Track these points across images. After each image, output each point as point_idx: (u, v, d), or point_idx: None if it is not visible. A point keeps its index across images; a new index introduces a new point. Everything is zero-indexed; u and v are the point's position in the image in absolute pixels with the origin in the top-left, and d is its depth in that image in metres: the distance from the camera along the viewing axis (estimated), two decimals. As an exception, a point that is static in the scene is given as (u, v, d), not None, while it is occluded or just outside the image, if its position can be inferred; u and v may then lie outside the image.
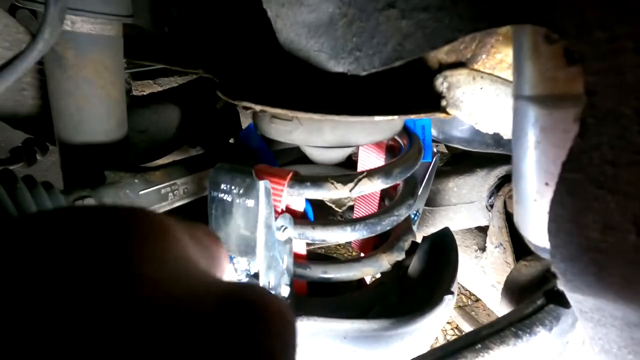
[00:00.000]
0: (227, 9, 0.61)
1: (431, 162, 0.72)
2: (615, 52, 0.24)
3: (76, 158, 0.62)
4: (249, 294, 0.14)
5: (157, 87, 1.08)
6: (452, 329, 1.49)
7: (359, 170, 0.67)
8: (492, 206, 0.90)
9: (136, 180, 0.58)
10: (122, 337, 0.10)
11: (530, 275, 0.58)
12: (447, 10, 0.29)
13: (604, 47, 0.25)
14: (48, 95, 0.61)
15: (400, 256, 0.57)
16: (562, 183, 0.29)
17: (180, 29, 0.70)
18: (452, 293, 0.55)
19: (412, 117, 0.44)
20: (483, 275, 0.93)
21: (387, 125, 0.50)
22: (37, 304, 0.10)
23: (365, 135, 0.49)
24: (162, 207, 0.62)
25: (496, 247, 0.87)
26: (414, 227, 0.75)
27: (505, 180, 0.89)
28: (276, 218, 0.46)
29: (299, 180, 0.47)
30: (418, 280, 0.61)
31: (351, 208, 0.78)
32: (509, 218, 0.85)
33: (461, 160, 0.97)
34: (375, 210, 0.68)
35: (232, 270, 0.48)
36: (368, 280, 0.68)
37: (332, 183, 0.46)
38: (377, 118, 0.42)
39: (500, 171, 0.90)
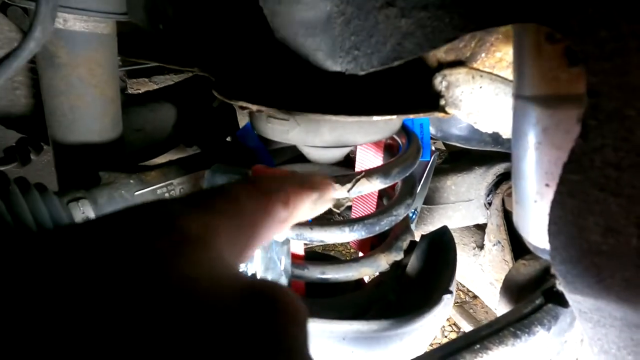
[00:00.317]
0: (223, 6, 0.60)
1: (429, 161, 0.72)
2: (620, 52, 0.24)
3: (70, 158, 0.61)
4: (265, 288, 0.15)
5: (152, 85, 1.07)
6: (449, 325, 1.49)
7: (356, 169, 0.67)
8: (490, 204, 0.90)
9: (131, 181, 0.57)
10: (153, 319, 0.12)
11: (528, 275, 0.58)
12: (447, 8, 0.29)
13: (608, 46, 0.24)
14: (41, 94, 0.60)
15: (399, 256, 0.56)
16: (563, 185, 0.29)
17: (175, 27, 0.69)
18: (450, 292, 0.55)
19: (411, 116, 0.44)
20: (481, 273, 0.93)
21: (386, 124, 0.49)
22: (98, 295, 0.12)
23: (364, 135, 0.49)
24: (158, 208, 0.61)
25: (494, 245, 0.87)
26: (412, 226, 0.75)
27: (504, 178, 0.88)
28: (274, 219, 0.45)
29: (296, 181, 0.46)
30: (416, 279, 0.61)
31: (350, 207, 0.77)
32: (507, 216, 0.85)
33: (459, 158, 0.97)
34: (374, 210, 0.68)
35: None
36: (366, 278, 0.68)
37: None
38: (376, 118, 0.41)
39: (498, 169, 0.89)
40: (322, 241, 0.50)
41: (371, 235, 0.52)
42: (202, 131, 0.89)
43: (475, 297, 1.43)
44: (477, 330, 0.47)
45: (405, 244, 0.58)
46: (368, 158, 0.65)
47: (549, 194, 0.32)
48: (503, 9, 0.27)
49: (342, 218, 0.85)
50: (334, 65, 0.39)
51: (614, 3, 0.23)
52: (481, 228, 0.95)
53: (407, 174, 0.53)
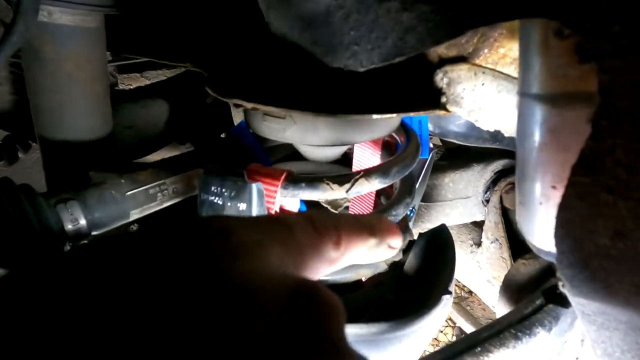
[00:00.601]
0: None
1: (428, 158, 0.71)
2: (634, 49, 0.23)
3: (58, 157, 0.59)
4: (307, 285, 0.17)
5: (144, 80, 1.04)
6: (446, 320, 1.50)
7: (354, 167, 0.66)
8: (488, 201, 0.89)
9: (122, 181, 0.55)
10: (208, 309, 0.14)
11: (528, 274, 0.57)
12: (451, 2, 0.27)
13: (622, 42, 0.23)
14: (26, 90, 0.58)
15: (398, 256, 0.55)
16: (571, 187, 0.28)
17: (166, 20, 0.67)
18: (450, 293, 0.54)
19: (412, 114, 0.42)
20: (478, 270, 0.93)
21: (385, 122, 0.48)
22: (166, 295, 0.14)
23: (362, 133, 0.47)
24: (150, 208, 0.59)
25: (492, 242, 0.87)
26: (410, 224, 0.74)
27: (502, 175, 0.88)
28: (270, 220, 0.44)
29: (293, 181, 0.45)
30: (414, 278, 0.60)
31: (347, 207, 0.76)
32: (505, 213, 0.85)
33: (457, 155, 0.96)
34: (371, 209, 0.67)
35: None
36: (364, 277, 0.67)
37: (328, 184, 0.44)
38: (375, 116, 0.40)
39: (496, 166, 0.89)
40: (319, 242, 0.49)
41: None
42: (196, 128, 0.87)
43: (470, 292, 1.43)
44: (478, 332, 0.46)
45: (404, 244, 0.57)
46: (366, 156, 0.64)
47: (556, 196, 0.31)
48: (511, 3, 0.25)
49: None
50: (333, 62, 0.38)
51: (629, -3, 0.22)
52: (479, 225, 0.95)
53: (407, 173, 0.52)
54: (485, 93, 0.42)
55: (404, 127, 0.58)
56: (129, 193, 0.56)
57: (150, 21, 0.68)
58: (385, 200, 0.68)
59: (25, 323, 0.12)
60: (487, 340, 0.44)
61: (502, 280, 0.64)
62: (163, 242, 0.16)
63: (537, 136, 0.32)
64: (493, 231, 0.86)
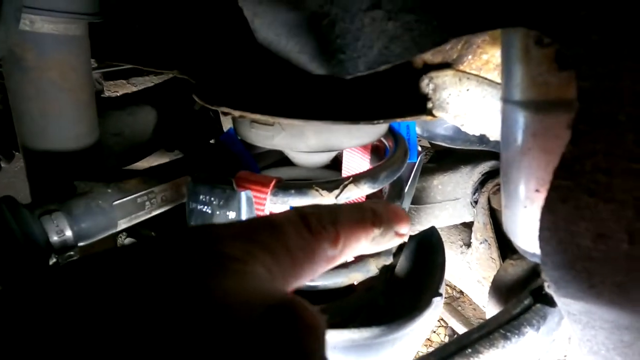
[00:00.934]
0: (202, 5, 0.58)
1: (416, 162, 0.71)
2: (612, 57, 0.23)
3: (43, 167, 0.58)
4: (287, 301, 0.16)
5: (131, 87, 1.03)
6: (438, 320, 1.51)
7: (343, 172, 0.66)
8: (476, 202, 0.90)
9: (109, 190, 0.55)
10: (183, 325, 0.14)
11: (516, 275, 0.58)
12: (435, 11, 0.28)
13: (599, 50, 0.24)
14: (9, 100, 0.57)
15: (388, 260, 0.56)
16: (553, 190, 0.28)
17: (152, 27, 0.66)
18: (440, 295, 0.55)
19: (398, 120, 0.43)
20: (469, 270, 0.94)
21: (373, 128, 0.48)
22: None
23: (350, 139, 0.48)
24: (138, 217, 0.59)
25: (481, 243, 0.88)
26: (401, 227, 0.74)
27: (489, 177, 0.89)
28: (260, 227, 0.44)
29: (282, 188, 0.45)
30: (405, 281, 0.61)
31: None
32: (493, 214, 0.86)
33: (445, 157, 0.97)
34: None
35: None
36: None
37: (317, 190, 0.44)
38: (363, 124, 0.40)
39: (484, 167, 0.90)
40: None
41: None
42: (184, 135, 0.86)
43: (461, 292, 1.45)
44: (469, 333, 0.46)
45: (394, 248, 0.57)
46: (355, 161, 0.65)
47: (539, 200, 0.32)
48: (492, 13, 0.26)
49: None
50: (319, 69, 0.38)
51: (606, 6, 0.23)
52: (468, 226, 0.96)
53: (395, 178, 0.52)
54: (470, 98, 0.42)
55: (392, 132, 0.59)
56: (116, 202, 0.55)
57: (135, 28, 0.68)
58: (375, 204, 0.69)
59: (17, 341, 0.13)
60: (477, 342, 0.45)
61: (492, 280, 0.65)
62: (144, 261, 0.16)
63: (520, 141, 0.32)
64: (482, 232, 0.87)
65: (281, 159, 0.71)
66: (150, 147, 0.86)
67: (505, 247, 0.82)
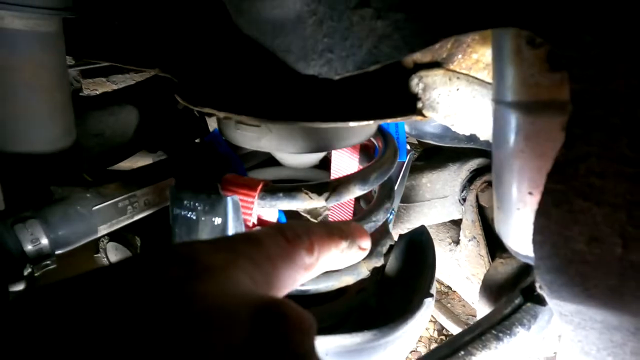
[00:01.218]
0: (185, 0, 0.56)
1: (405, 161, 0.71)
2: (604, 58, 0.23)
3: (16, 172, 0.55)
4: (272, 303, 0.17)
5: (111, 85, 1.00)
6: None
7: (332, 173, 0.65)
8: (464, 200, 0.90)
9: (88, 195, 0.52)
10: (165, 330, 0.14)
11: (506, 273, 0.58)
12: (425, 10, 0.27)
13: (593, 52, 0.23)
14: (-23, 100, 0.53)
15: (379, 262, 0.55)
16: (547, 194, 0.28)
17: (132, 23, 0.64)
18: (431, 296, 0.55)
19: (389, 121, 0.42)
20: (458, 267, 0.94)
21: (362, 128, 0.47)
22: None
23: (340, 140, 0.46)
24: (120, 222, 0.56)
25: (470, 240, 0.88)
26: (390, 226, 0.74)
27: (477, 174, 0.89)
28: (247, 233, 0.42)
29: (270, 191, 0.43)
30: (396, 281, 0.60)
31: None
32: (481, 211, 0.86)
33: (433, 155, 0.97)
34: (351, 214, 0.66)
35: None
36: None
37: (307, 193, 0.43)
38: (352, 124, 0.39)
39: (472, 165, 0.90)
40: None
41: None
42: (168, 135, 0.84)
43: (449, 287, 1.46)
44: (460, 335, 0.46)
45: (384, 249, 0.57)
46: (344, 160, 0.63)
47: (532, 202, 0.32)
48: (484, 13, 0.25)
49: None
50: (307, 69, 0.37)
51: (599, 8, 0.22)
52: (457, 223, 0.96)
53: (386, 178, 0.52)
54: (460, 98, 0.42)
55: (381, 131, 0.58)
56: (96, 207, 0.53)
57: (114, 24, 0.65)
58: (365, 204, 0.68)
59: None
60: (469, 344, 0.44)
61: (480, 276, 0.65)
62: (126, 277, 0.17)
63: (512, 143, 0.32)
64: (470, 229, 0.88)
65: (268, 159, 0.70)
66: (132, 148, 0.83)
67: (494, 244, 0.82)
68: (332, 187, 0.43)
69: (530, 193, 0.32)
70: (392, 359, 0.52)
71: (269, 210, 0.46)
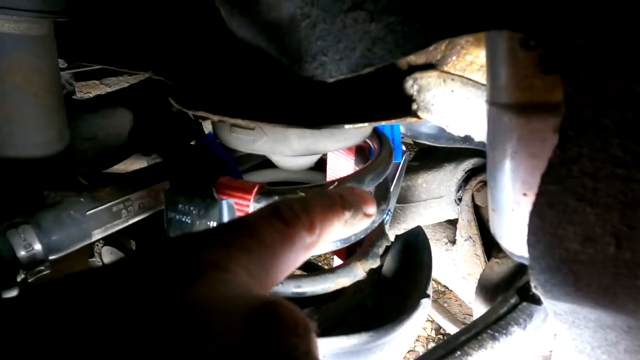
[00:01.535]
0: (178, 3, 0.55)
1: (401, 162, 0.71)
2: (596, 61, 0.23)
3: (8, 177, 0.54)
4: (268, 303, 0.16)
5: (104, 87, 0.99)
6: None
7: (328, 174, 0.65)
8: (460, 200, 0.91)
9: (82, 199, 0.52)
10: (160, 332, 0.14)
11: (502, 273, 0.59)
12: (419, 13, 0.27)
13: (584, 55, 0.23)
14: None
15: (375, 263, 0.55)
16: (541, 195, 0.28)
17: (125, 26, 0.63)
18: (428, 296, 0.55)
19: (383, 123, 0.42)
20: (454, 267, 0.95)
21: (357, 131, 0.47)
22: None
23: (335, 142, 0.46)
24: (115, 226, 0.56)
25: (466, 240, 0.89)
26: (386, 226, 0.74)
27: (472, 174, 0.90)
28: (243, 236, 0.42)
29: (265, 194, 0.43)
30: (392, 282, 0.60)
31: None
32: (477, 211, 0.87)
33: (429, 155, 0.97)
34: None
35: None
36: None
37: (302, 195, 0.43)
38: (347, 126, 0.39)
39: (467, 165, 0.91)
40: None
41: (347, 245, 0.51)
42: (162, 138, 0.83)
43: (445, 287, 1.46)
44: (457, 335, 0.46)
45: (380, 250, 0.57)
46: (339, 162, 0.63)
47: (527, 203, 0.32)
48: (477, 15, 0.25)
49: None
50: (300, 72, 0.36)
51: (591, 11, 0.22)
52: (453, 223, 0.96)
53: (381, 180, 0.52)
54: (455, 99, 0.42)
55: (376, 133, 0.58)
56: (89, 212, 0.52)
57: (106, 27, 0.64)
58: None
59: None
60: (466, 344, 0.45)
61: (476, 276, 0.65)
62: (119, 281, 0.16)
63: (507, 145, 0.32)
64: (466, 229, 0.88)
65: (264, 161, 0.69)
66: (126, 151, 0.83)
67: (490, 244, 0.83)
68: (327, 189, 0.43)
69: (524, 194, 0.32)
70: (390, 359, 0.52)
71: (265, 213, 0.46)
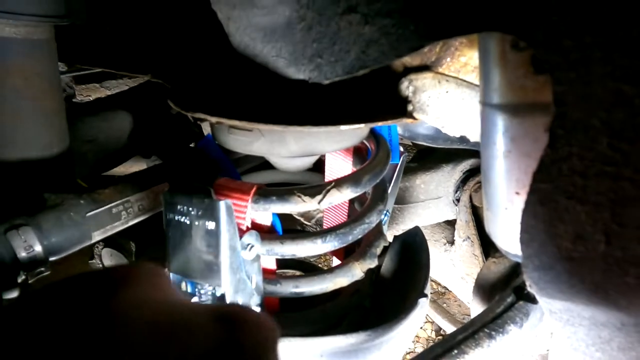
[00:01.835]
0: (176, 6, 0.56)
1: (398, 163, 0.72)
2: (584, 62, 0.24)
3: (9, 179, 0.54)
4: (237, 312, 0.17)
5: (104, 90, 1.00)
6: (425, 316, 1.52)
7: (326, 175, 0.65)
8: (458, 200, 0.91)
9: (82, 201, 0.52)
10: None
11: (499, 272, 0.59)
12: (412, 16, 0.27)
13: (573, 56, 0.24)
14: (-31, 108, 0.53)
15: (373, 263, 0.56)
16: (533, 193, 0.29)
17: (124, 29, 0.64)
18: (426, 296, 0.55)
19: (379, 124, 0.42)
20: (452, 267, 0.95)
21: (354, 132, 0.48)
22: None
23: (332, 143, 0.47)
24: (114, 228, 0.56)
25: (464, 240, 0.89)
26: (385, 227, 0.74)
27: (470, 175, 0.90)
28: (241, 236, 0.43)
29: (263, 195, 0.44)
30: (391, 282, 0.61)
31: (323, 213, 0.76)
32: (475, 211, 0.87)
33: (427, 156, 0.98)
34: (345, 217, 0.67)
35: (195, 297, 0.45)
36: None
37: (300, 196, 0.43)
38: (343, 127, 0.40)
39: (465, 165, 0.91)
40: (294, 255, 0.48)
41: (344, 245, 0.51)
42: (161, 140, 0.84)
43: (445, 288, 1.46)
44: (454, 334, 0.47)
45: (378, 251, 0.57)
46: (337, 163, 0.64)
47: (520, 202, 0.32)
48: (468, 18, 0.26)
49: (315, 228, 0.84)
50: (297, 73, 0.37)
51: (577, 13, 0.23)
52: (451, 224, 0.97)
53: (378, 180, 0.52)
54: (450, 100, 0.42)
55: (373, 134, 0.59)
56: (89, 214, 0.52)
57: (106, 30, 0.65)
58: (359, 206, 0.69)
59: None
60: (463, 342, 0.45)
61: (475, 276, 0.66)
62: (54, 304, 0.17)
63: (499, 144, 0.32)
64: (464, 229, 0.88)
65: (262, 163, 0.70)
66: (126, 154, 0.83)
67: (488, 244, 0.83)
68: (325, 190, 0.44)
69: (517, 193, 0.33)
70: (388, 358, 0.52)
71: (263, 213, 0.47)
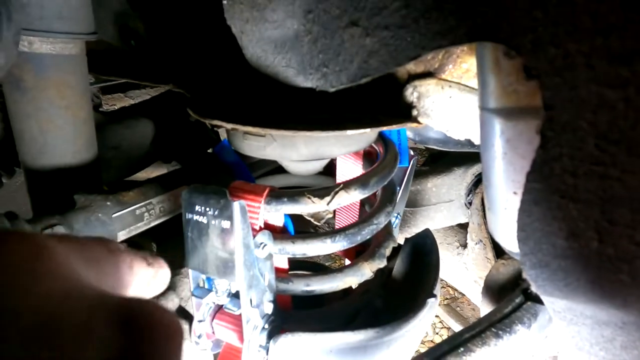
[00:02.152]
0: (194, 23, 0.60)
1: (408, 166, 0.73)
2: (568, 68, 0.25)
3: (43, 183, 0.59)
4: (138, 311, 0.14)
5: (128, 100, 1.05)
6: (439, 321, 1.51)
7: (338, 178, 0.67)
8: (470, 203, 0.91)
9: (108, 203, 0.56)
10: None
11: (508, 274, 0.59)
12: (408, 28, 0.30)
13: (557, 63, 0.25)
14: (9, 118, 0.59)
15: (382, 263, 0.57)
16: (528, 193, 0.30)
17: (147, 44, 0.68)
18: (435, 296, 0.56)
19: (385, 128, 0.44)
20: (465, 271, 0.95)
21: (362, 136, 0.50)
22: None
23: (340, 147, 0.49)
24: (138, 228, 0.60)
25: (476, 243, 0.89)
26: (396, 230, 0.75)
27: (482, 178, 0.90)
28: (255, 235, 0.45)
29: (275, 196, 0.46)
30: (401, 283, 0.62)
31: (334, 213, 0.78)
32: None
33: (438, 160, 0.99)
34: (357, 217, 0.69)
35: (212, 292, 0.48)
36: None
37: (310, 197, 0.45)
38: (350, 132, 0.42)
39: (476, 169, 0.92)
40: (304, 254, 0.50)
41: (353, 245, 0.53)
42: (181, 146, 0.88)
43: (461, 293, 1.45)
44: (461, 332, 0.48)
45: (387, 251, 0.59)
46: (348, 167, 0.66)
47: (516, 201, 0.34)
48: (461, 29, 0.28)
49: (326, 229, 0.86)
50: (305, 82, 0.40)
51: (560, 23, 0.24)
52: (464, 227, 0.97)
53: (386, 183, 0.54)
54: (453, 105, 0.44)
55: (382, 138, 0.60)
56: (115, 215, 0.56)
57: (130, 44, 0.70)
58: (369, 208, 0.70)
59: None
60: (469, 340, 0.46)
61: (484, 280, 0.66)
62: None
63: (497, 146, 0.34)
64: (477, 232, 0.88)
65: (277, 167, 0.73)
66: (148, 159, 0.88)
67: (500, 247, 0.83)
68: (333, 192, 0.46)
69: (514, 193, 0.34)
70: (398, 356, 0.53)
71: (275, 215, 0.49)
